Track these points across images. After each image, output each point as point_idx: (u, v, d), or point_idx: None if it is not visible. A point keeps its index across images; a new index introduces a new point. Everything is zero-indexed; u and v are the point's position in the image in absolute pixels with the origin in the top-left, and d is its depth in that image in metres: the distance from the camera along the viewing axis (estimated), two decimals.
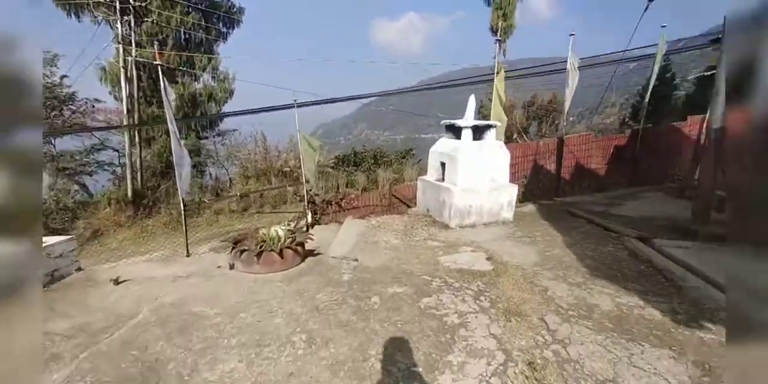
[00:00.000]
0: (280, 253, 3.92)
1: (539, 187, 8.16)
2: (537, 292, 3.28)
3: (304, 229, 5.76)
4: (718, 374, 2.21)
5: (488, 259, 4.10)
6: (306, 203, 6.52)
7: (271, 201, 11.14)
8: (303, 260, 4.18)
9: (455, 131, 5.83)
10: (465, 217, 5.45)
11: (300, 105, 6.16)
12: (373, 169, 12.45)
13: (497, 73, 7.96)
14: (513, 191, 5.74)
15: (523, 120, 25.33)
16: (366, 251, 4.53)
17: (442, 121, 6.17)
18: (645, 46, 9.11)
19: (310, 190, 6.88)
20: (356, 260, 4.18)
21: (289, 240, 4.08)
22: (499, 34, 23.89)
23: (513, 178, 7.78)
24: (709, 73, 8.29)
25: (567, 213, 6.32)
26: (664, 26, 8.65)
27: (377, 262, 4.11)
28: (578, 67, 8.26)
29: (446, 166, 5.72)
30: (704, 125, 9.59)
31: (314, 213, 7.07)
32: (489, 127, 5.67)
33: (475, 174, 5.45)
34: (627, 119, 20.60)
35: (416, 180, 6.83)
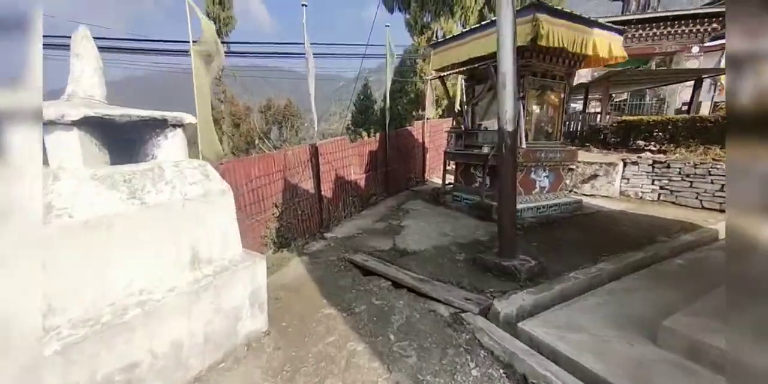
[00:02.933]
0: None
1: (299, 216, 5.27)
2: None
3: None
4: None
5: None
6: None
7: None
8: None
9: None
10: None
11: None
12: None
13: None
14: (259, 270, 2.40)
15: (262, 124, 22.41)
16: None
17: None
18: (377, 45, 8.11)
19: None
20: None
21: None
22: (219, 24, 19.46)
23: (255, 214, 4.47)
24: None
25: (353, 266, 3.72)
26: (387, 26, 7.77)
27: None
28: (314, 54, 5.84)
29: None
30: (424, 129, 10.02)
31: None
32: (161, 124, 1.98)
33: (132, 262, 1.68)
34: (349, 125, 22.15)
35: None
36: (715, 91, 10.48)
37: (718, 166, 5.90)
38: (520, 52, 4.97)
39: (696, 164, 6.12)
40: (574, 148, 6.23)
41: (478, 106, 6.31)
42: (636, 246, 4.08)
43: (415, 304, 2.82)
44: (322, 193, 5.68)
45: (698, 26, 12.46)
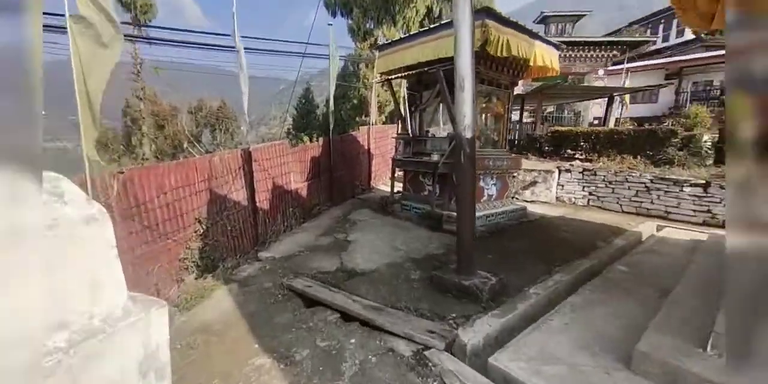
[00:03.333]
0: None
1: (228, 233, 4.45)
2: None
3: None
4: None
5: None
6: None
7: None
8: None
9: None
10: None
11: None
12: None
13: None
14: (155, 323, 1.68)
15: (192, 127, 20.05)
16: None
17: None
18: (319, 44, 7.56)
19: None
20: None
21: None
22: (136, 12, 17.10)
23: (171, 233, 3.62)
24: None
25: (293, 294, 3.11)
26: (330, 24, 7.28)
27: None
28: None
29: None
30: (370, 134, 9.65)
31: None
32: None
33: None
34: (290, 129, 21.03)
35: None
36: (621, 108, 11.99)
37: (633, 174, 6.50)
38: None
39: (616, 172, 6.68)
40: (517, 155, 6.37)
41: (426, 112, 6.13)
42: (581, 252, 4.15)
43: (370, 341, 2.34)
44: (257, 204, 4.92)
45: (602, 52, 14.23)
